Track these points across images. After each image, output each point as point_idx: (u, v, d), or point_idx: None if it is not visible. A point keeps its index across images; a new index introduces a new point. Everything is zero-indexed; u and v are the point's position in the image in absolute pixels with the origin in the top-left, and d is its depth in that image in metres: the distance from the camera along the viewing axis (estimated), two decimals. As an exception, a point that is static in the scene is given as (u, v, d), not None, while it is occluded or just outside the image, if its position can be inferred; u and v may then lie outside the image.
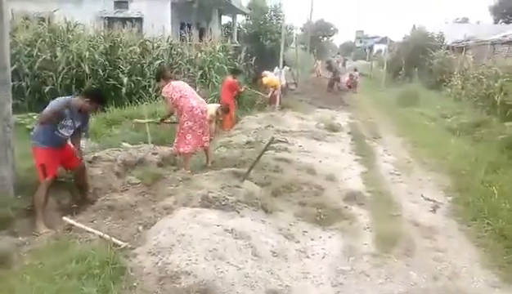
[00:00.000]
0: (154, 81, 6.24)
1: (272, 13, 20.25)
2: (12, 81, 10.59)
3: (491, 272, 3.97)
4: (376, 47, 53.66)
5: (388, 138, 9.80)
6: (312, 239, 4.38)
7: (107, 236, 3.70)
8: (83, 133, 5.12)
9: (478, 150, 7.74)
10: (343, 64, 43.71)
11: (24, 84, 10.86)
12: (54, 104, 4.53)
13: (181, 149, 6.26)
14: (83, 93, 4.93)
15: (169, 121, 6.83)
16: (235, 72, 11.14)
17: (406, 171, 7.04)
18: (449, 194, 6.01)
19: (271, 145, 7.52)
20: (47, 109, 4.48)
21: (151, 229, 3.94)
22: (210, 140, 6.93)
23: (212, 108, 8.05)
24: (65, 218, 4.16)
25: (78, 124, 4.75)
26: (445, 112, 12.65)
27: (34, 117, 8.23)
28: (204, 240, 3.70)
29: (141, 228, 4.00)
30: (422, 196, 5.93)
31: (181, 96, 6.08)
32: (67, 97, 4.86)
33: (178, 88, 6.17)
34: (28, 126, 7.75)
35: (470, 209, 5.36)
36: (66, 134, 4.71)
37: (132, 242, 3.75)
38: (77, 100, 4.75)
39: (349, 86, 21.37)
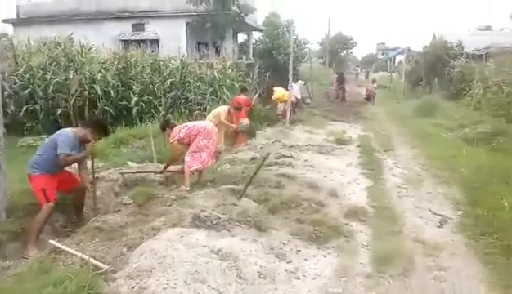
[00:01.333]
0: (162, 131, 6.67)
1: (285, 28, 20.30)
2: (26, 104, 11.12)
3: (496, 292, 3.69)
4: (398, 58, 53.09)
5: (400, 151, 9.50)
6: (305, 259, 4.18)
7: (88, 258, 3.62)
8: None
9: (494, 161, 7.37)
10: (366, 77, 43.42)
11: (38, 107, 11.14)
12: (65, 141, 4.63)
13: (196, 167, 6.31)
14: (87, 123, 5.11)
15: (173, 169, 6.70)
16: (243, 90, 11.18)
17: (415, 185, 6.76)
18: (459, 208, 5.71)
19: (275, 161, 7.48)
20: (60, 146, 4.59)
21: (135, 251, 3.84)
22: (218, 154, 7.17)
23: (223, 108, 8.83)
24: (50, 241, 4.11)
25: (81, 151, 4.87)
26: (463, 122, 12.26)
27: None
28: (187, 262, 3.58)
29: (124, 250, 3.91)
30: (430, 210, 5.66)
31: (187, 129, 6.40)
32: (70, 131, 4.89)
33: (182, 126, 6.53)
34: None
35: (479, 224, 5.06)
36: None
37: (114, 265, 3.66)
38: (80, 130, 4.93)
39: (367, 99, 21.09)
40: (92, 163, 5.27)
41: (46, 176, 4.64)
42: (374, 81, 23.09)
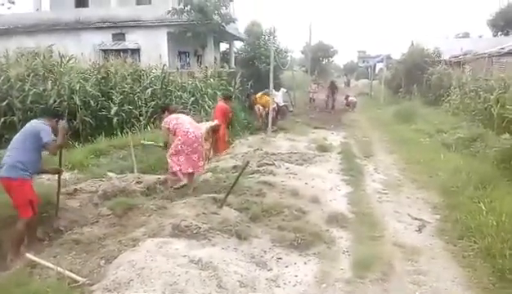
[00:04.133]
0: (159, 113, 6.92)
1: (267, 37, 20.42)
2: (4, 115, 10.86)
3: (474, 294, 3.74)
4: (378, 66, 53.85)
5: (380, 156, 9.60)
6: (286, 266, 4.18)
7: (64, 271, 3.56)
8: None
9: (472, 165, 7.49)
10: (348, 84, 43.93)
11: (15, 118, 10.90)
12: (47, 130, 4.45)
13: (174, 169, 6.38)
14: (48, 115, 4.82)
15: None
16: (226, 97, 11.10)
17: (394, 190, 6.83)
18: (437, 212, 5.80)
19: (257, 169, 7.47)
20: (47, 133, 4.41)
21: (113, 263, 3.79)
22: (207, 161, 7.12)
23: (203, 127, 8.23)
24: (27, 254, 4.02)
25: None
26: (442, 127, 12.44)
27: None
28: (165, 273, 3.54)
29: (102, 262, 3.85)
30: (409, 215, 5.72)
31: (176, 123, 6.43)
32: (39, 120, 4.68)
33: (175, 117, 6.59)
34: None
35: (457, 227, 5.14)
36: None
37: (91, 278, 3.61)
38: (47, 122, 4.65)
39: (347, 105, 21.35)
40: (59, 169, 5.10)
41: (32, 183, 4.46)
42: (347, 96, 22.72)
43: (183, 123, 6.44)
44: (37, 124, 4.58)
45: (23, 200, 4.34)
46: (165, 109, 7.05)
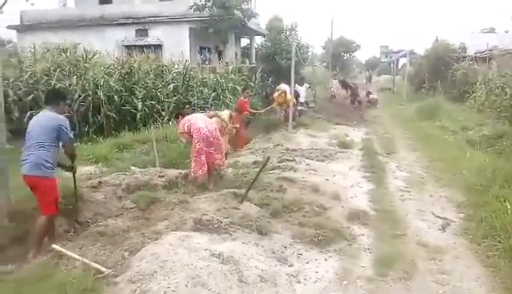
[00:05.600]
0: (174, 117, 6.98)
1: (288, 32, 20.33)
2: (31, 109, 11.16)
3: (498, 295, 3.68)
4: (401, 61, 53.03)
5: (402, 153, 9.48)
6: (307, 262, 4.18)
7: (89, 262, 3.65)
8: None
9: (497, 163, 7.32)
10: (369, 80, 43.37)
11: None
12: (67, 124, 4.41)
13: (200, 172, 6.45)
14: (54, 99, 4.60)
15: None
16: (244, 90, 11.20)
17: (417, 188, 6.74)
18: (461, 211, 5.70)
19: (278, 165, 7.48)
20: (67, 130, 4.37)
21: (136, 255, 3.86)
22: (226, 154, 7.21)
23: (225, 112, 8.71)
24: (53, 245, 4.14)
25: None
26: (467, 124, 12.23)
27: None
28: (188, 266, 3.59)
29: (126, 254, 3.93)
30: (432, 213, 5.64)
31: (189, 124, 6.54)
32: (55, 114, 4.44)
33: (188, 118, 6.70)
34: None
35: (482, 226, 5.03)
36: None
37: (115, 269, 3.68)
38: (53, 108, 4.48)
39: (369, 102, 21.14)
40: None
41: (56, 180, 4.46)
42: (368, 93, 22.66)
43: (195, 122, 6.54)
44: (55, 118, 4.39)
45: (50, 198, 4.34)
46: (178, 115, 7.18)
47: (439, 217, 5.50)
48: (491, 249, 4.48)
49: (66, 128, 4.41)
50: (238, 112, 9.45)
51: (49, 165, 4.32)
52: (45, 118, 4.42)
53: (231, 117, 9.03)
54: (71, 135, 4.55)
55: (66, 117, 4.68)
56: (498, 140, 9.44)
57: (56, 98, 4.64)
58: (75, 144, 9.37)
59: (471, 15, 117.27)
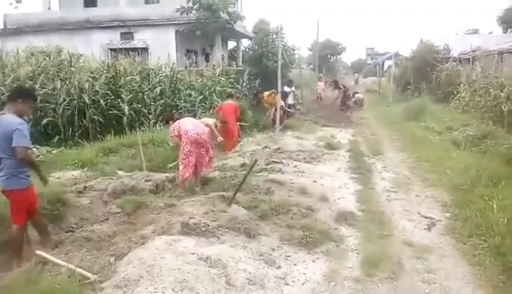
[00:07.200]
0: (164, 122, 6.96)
1: (274, 35, 20.35)
2: (14, 114, 10.98)
3: (484, 293, 3.72)
4: (387, 63, 53.62)
5: (389, 154, 9.56)
6: (295, 264, 4.18)
7: (75, 268, 3.59)
8: None
9: (481, 163, 7.43)
10: (356, 82, 43.70)
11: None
12: (19, 126, 3.96)
13: (187, 175, 6.45)
14: (12, 97, 4.27)
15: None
16: (229, 96, 11.13)
17: (403, 188, 6.80)
18: (447, 210, 5.77)
19: (265, 167, 7.48)
20: (19, 140, 3.93)
21: (123, 260, 3.82)
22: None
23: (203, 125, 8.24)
24: (38, 251, 4.07)
25: None
26: (451, 124, 12.36)
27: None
28: (175, 270, 3.56)
29: (112, 259, 3.88)
30: (418, 213, 5.69)
31: (179, 128, 6.59)
32: (9, 115, 4.09)
33: (177, 122, 6.74)
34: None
35: (467, 225, 5.10)
36: None
37: (101, 275, 3.64)
38: (12, 108, 4.16)
39: (355, 103, 21.30)
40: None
41: (33, 188, 4.30)
42: (354, 93, 22.78)
43: (183, 125, 6.58)
44: (9, 123, 4.03)
45: (18, 207, 4.18)
46: (168, 120, 7.23)
47: (425, 217, 5.56)
48: (476, 248, 4.55)
49: (21, 131, 3.99)
50: (223, 123, 9.13)
51: (23, 173, 4.11)
52: (4, 124, 4.07)
53: (215, 126, 8.68)
54: (25, 141, 4.06)
55: (32, 117, 4.23)
56: (482, 140, 9.56)
57: (16, 95, 4.26)
58: (60, 149, 9.26)
59: (455, 17, 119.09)
